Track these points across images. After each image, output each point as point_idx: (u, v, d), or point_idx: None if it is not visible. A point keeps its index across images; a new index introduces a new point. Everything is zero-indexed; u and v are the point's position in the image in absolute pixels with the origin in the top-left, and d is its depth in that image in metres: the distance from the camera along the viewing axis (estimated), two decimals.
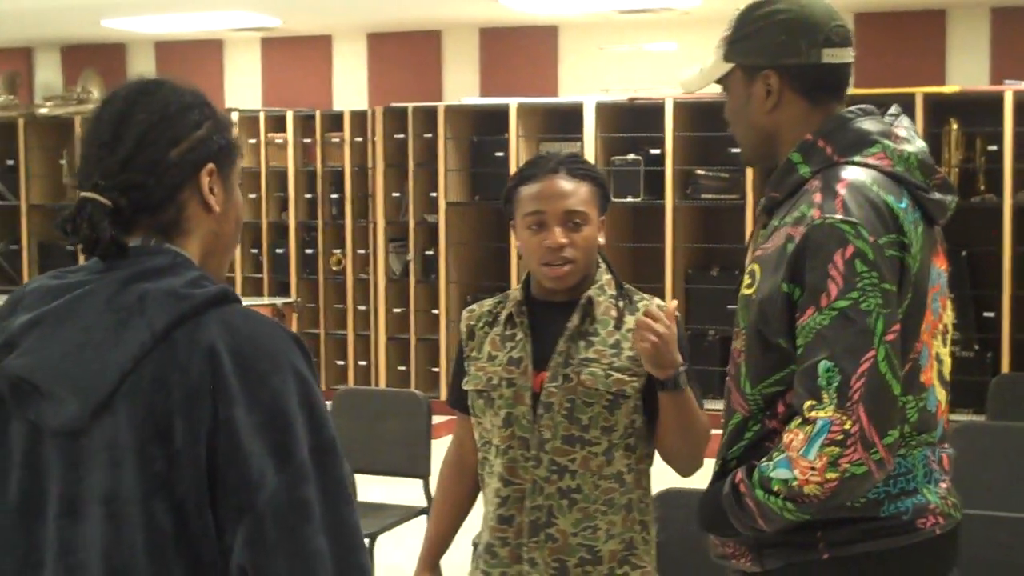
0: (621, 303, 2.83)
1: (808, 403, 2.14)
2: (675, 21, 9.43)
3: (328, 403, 5.64)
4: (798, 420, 2.16)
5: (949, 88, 8.40)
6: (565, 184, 2.80)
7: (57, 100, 10.88)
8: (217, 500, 1.66)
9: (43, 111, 10.84)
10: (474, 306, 2.96)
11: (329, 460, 1.70)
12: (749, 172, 8.61)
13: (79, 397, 1.67)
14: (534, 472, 2.76)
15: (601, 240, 2.85)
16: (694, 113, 8.82)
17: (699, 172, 8.88)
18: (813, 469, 2.11)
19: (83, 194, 1.74)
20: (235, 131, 1.89)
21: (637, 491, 2.82)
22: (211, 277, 1.77)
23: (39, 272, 10.59)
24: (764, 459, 2.20)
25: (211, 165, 1.80)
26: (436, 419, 5.42)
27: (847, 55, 2.35)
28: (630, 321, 2.80)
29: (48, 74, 11.59)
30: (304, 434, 1.68)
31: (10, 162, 10.97)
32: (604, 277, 2.86)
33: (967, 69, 8.86)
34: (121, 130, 1.77)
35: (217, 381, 1.66)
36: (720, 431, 2.44)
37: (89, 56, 11.20)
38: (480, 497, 2.96)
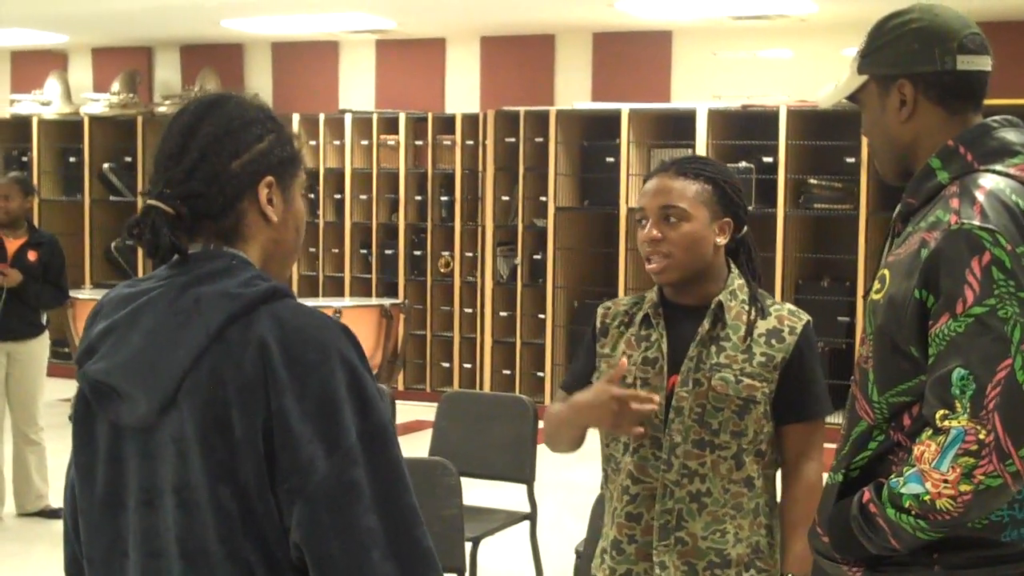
0: (753, 309, 2.82)
1: (940, 412, 2.08)
2: (790, 28, 9.33)
3: (433, 405, 5.66)
4: (929, 431, 2.10)
5: None
6: (669, 181, 2.83)
7: (175, 99, 11.08)
8: (275, 484, 1.76)
9: (161, 109, 11.05)
10: (610, 303, 2.98)
11: (379, 444, 1.78)
12: (863, 182, 8.49)
13: (148, 395, 1.79)
14: (664, 476, 2.78)
15: (719, 241, 2.84)
16: (808, 121, 8.72)
17: (812, 181, 8.78)
18: (946, 482, 2.05)
19: (148, 201, 1.86)
20: (299, 144, 1.99)
21: (764, 495, 2.83)
22: (266, 276, 1.86)
23: (152, 267, 10.76)
24: (893, 475, 2.15)
25: (270, 177, 1.89)
26: (542, 424, 5.39)
27: (984, 63, 2.30)
28: (761, 327, 2.81)
29: (167, 73, 11.80)
30: (353, 420, 1.76)
31: (128, 159, 11.21)
32: (736, 282, 2.86)
33: None
34: (187, 142, 1.87)
35: (268, 373, 1.75)
36: (834, 445, 2.38)
37: (207, 56, 11.38)
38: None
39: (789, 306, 2.88)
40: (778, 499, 2.90)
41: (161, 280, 1.85)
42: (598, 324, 2.94)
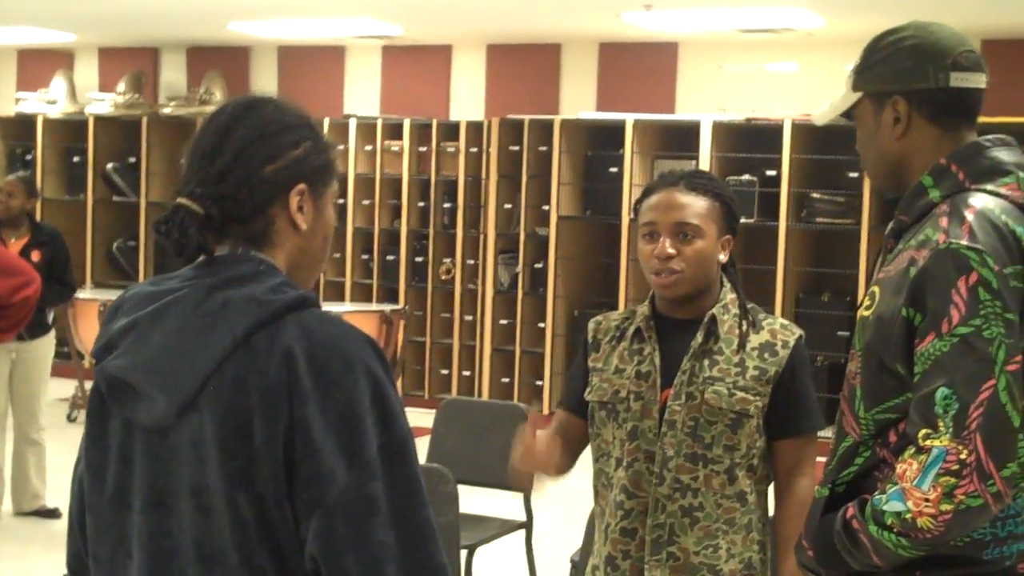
0: (745, 323, 2.81)
1: (923, 431, 2.09)
2: (797, 42, 9.34)
3: (431, 411, 5.65)
4: (912, 450, 2.11)
5: None
6: (681, 197, 2.82)
7: (180, 100, 11.09)
8: (293, 494, 1.75)
9: (166, 111, 11.06)
10: (601, 318, 2.97)
11: (399, 457, 1.77)
12: (865, 197, 8.50)
13: (167, 396, 1.78)
14: (656, 490, 2.77)
15: (722, 258, 2.84)
16: (812, 135, 8.73)
17: (814, 195, 8.78)
18: (927, 500, 2.05)
19: (178, 200, 1.85)
20: (335, 153, 1.98)
21: (757, 511, 2.83)
22: (293, 283, 1.85)
23: (154, 268, 10.79)
24: (877, 492, 2.15)
25: (302, 185, 1.88)
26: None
27: (978, 80, 2.30)
28: (754, 340, 2.81)
29: (173, 75, 11.81)
30: (374, 432, 1.75)
31: (132, 159, 11.21)
32: (728, 296, 2.86)
33: None
34: (222, 143, 1.86)
35: (293, 382, 1.74)
36: (825, 459, 2.39)
37: (213, 58, 11.39)
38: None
39: (782, 320, 2.89)
40: (770, 514, 2.89)
41: (187, 280, 1.84)
42: (589, 339, 2.94)
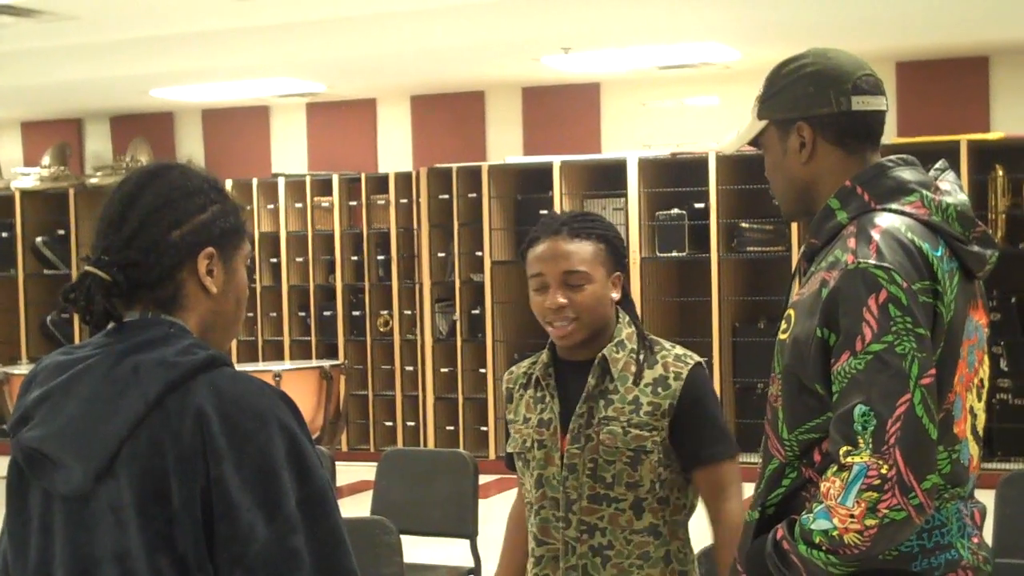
0: (641, 357, 2.83)
1: (844, 449, 2.12)
2: (716, 75, 9.46)
3: (374, 464, 5.61)
4: (834, 467, 2.14)
5: (994, 135, 8.36)
6: (565, 245, 2.83)
7: (107, 170, 11.04)
8: (215, 553, 1.76)
9: (93, 181, 11.00)
10: (513, 368, 3.01)
11: (319, 510, 1.79)
12: (793, 224, 8.60)
13: (83, 464, 1.78)
14: (565, 533, 2.78)
15: (614, 295, 2.85)
16: (737, 166, 8.83)
17: (744, 225, 8.87)
18: (852, 516, 2.09)
19: (85, 268, 1.87)
20: (244, 215, 2.00)
21: (675, 542, 2.82)
22: (204, 344, 1.86)
23: (89, 335, 10.67)
24: (804, 512, 2.18)
25: (210, 249, 1.90)
26: (484, 479, 5.40)
27: (879, 103, 2.36)
28: (648, 375, 2.81)
29: (98, 144, 11.76)
30: (292, 487, 1.77)
31: (61, 231, 11.13)
32: (624, 332, 2.86)
33: (1011, 115, 8.81)
34: (128, 211, 1.88)
35: (207, 442, 1.76)
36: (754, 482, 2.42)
37: (138, 125, 11.36)
38: None
39: (678, 350, 2.87)
40: (693, 544, 2.90)
41: (98, 348, 1.85)
42: (505, 393, 2.97)
